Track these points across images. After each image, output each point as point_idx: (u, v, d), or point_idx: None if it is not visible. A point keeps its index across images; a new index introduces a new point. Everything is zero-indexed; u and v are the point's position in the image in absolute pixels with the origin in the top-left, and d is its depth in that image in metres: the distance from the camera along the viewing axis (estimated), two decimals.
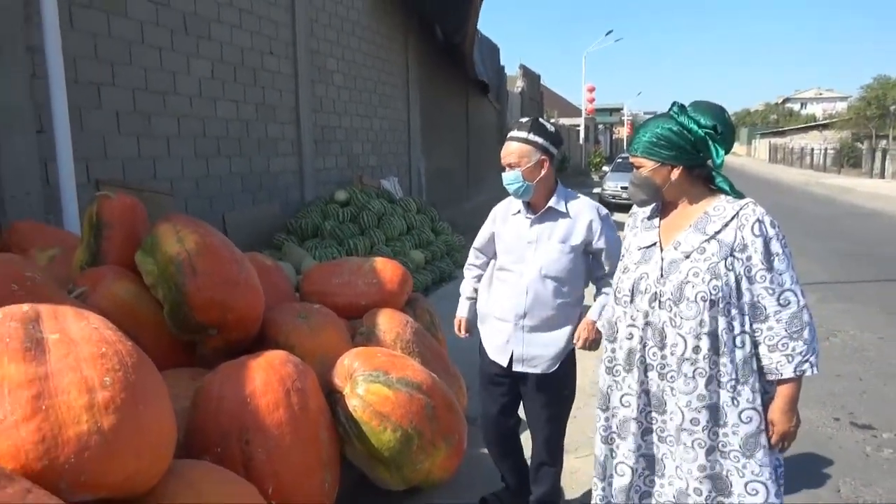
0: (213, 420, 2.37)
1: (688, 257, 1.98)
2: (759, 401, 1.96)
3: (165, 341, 2.95)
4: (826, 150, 36.42)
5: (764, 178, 32.28)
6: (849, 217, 15.61)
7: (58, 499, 1.44)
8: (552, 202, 2.65)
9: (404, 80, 12.07)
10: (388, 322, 3.51)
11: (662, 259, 2.04)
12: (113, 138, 5.29)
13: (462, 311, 3.06)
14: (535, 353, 2.70)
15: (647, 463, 2.11)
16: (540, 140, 2.59)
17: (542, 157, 2.59)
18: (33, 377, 1.61)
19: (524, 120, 2.67)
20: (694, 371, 1.96)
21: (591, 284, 2.84)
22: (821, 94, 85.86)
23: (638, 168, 2.06)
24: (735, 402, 1.95)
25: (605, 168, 22.07)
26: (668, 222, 2.11)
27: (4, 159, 4.30)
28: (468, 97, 16.70)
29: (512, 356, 2.75)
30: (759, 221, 1.93)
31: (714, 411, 1.97)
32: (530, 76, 26.45)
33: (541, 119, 2.68)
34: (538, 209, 2.67)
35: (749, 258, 1.91)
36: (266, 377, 2.45)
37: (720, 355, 1.94)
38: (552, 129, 2.65)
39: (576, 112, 41.83)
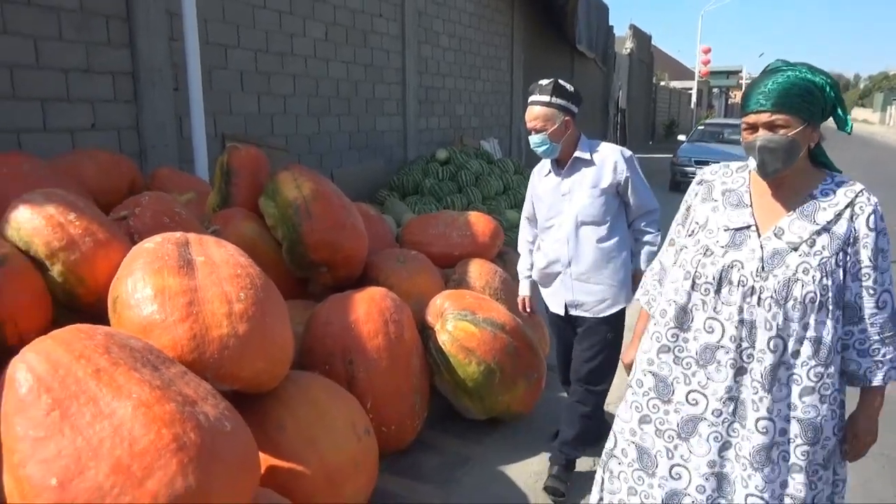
0: (321, 341, 2.76)
1: (795, 249, 1.68)
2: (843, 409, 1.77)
3: (283, 276, 3.37)
4: None
5: None
6: None
7: (206, 383, 1.82)
8: (577, 153, 2.78)
9: (509, 41, 12.12)
10: (478, 270, 3.80)
11: (762, 248, 1.71)
12: (237, 96, 5.81)
13: (524, 289, 3.14)
14: (585, 297, 2.83)
15: (718, 482, 1.79)
16: (562, 102, 2.71)
17: (566, 117, 2.71)
18: (186, 288, 2.00)
19: (545, 83, 2.74)
20: (789, 378, 1.70)
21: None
22: None
23: (778, 127, 1.62)
24: (833, 414, 1.72)
25: (681, 137, 17.17)
26: (765, 201, 1.76)
27: (148, 114, 4.87)
28: (573, 60, 16.48)
29: (566, 303, 2.90)
30: (875, 213, 1.67)
31: (810, 427, 1.70)
32: (640, 37, 25.54)
33: (560, 81, 2.77)
34: (566, 163, 2.82)
35: (857, 253, 1.67)
36: (368, 308, 2.81)
37: (825, 365, 1.68)
38: (572, 88, 2.77)
39: (689, 75, 39.99)
